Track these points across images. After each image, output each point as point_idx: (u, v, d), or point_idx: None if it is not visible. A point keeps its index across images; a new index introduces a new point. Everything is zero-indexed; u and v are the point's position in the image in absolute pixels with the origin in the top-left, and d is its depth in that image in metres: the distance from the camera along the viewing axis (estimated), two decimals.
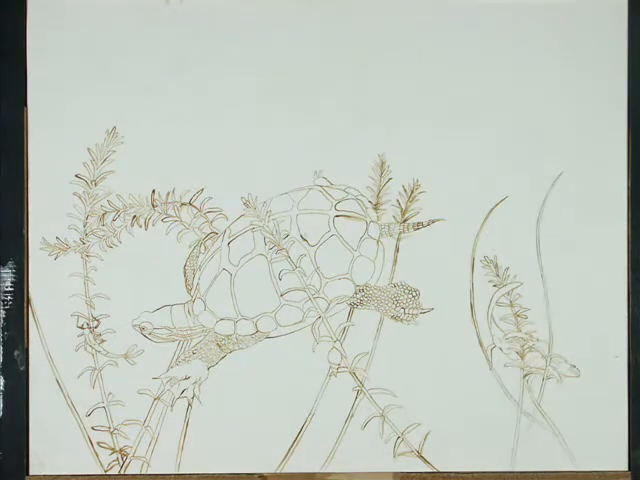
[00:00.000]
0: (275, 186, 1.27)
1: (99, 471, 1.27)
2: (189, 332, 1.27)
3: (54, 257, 1.26)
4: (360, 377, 1.27)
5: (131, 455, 1.27)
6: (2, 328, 1.26)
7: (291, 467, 1.27)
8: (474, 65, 1.27)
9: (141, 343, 1.26)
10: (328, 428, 1.27)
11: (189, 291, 1.26)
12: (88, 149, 1.26)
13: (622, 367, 1.28)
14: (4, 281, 1.26)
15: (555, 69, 1.28)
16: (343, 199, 1.27)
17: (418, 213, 1.27)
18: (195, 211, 1.27)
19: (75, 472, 1.26)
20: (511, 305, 1.28)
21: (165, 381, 1.26)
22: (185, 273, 1.26)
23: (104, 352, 1.26)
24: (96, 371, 1.26)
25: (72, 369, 1.26)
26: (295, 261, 1.26)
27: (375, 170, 1.27)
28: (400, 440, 1.27)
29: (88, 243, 1.26)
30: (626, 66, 1.28)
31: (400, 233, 1.27)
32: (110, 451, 1.27)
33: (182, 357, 1.26)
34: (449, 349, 1.27)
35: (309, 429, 1.27)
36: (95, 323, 1.26)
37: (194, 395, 1.26)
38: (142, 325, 1.25)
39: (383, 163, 1.27)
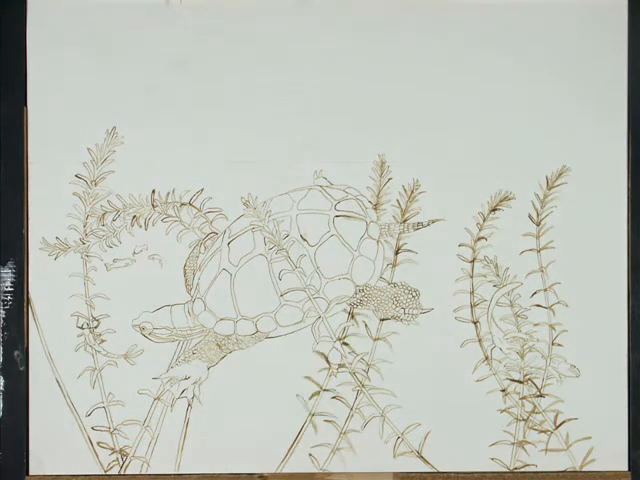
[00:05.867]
0: (275, 186, 1.27)
1: (99, 471, 1.27)
2: (189, 332, 1.27)
3: (54, 257, 1.26)
4: (360, 377, 1.27)
5: (131, 455, 1.27)
6: (2, 328, 1.26)
7: (291, 467, 1.27)
8: (474, 65, 1.27)
9: (141, 343, 1.26)
10: (328, 428, 1.27)
11: (189, 291, 1.27)
12: (88, 149, 1.26)
13: (622, 367, 1.28)
14: (4, 281, 1.26)
15: (555, 70, 1.28)
16: (343, 199, 1.27)
17: (418, 213, 1.27)
18: (195, 211, 1.27)
19: (75, 472, 1.26)
20: (511, 305, 1.28)
21: (165, 381, 1.26)
22: (185, 273, 1.26)
23: (104, 352, 1.26)
24: (96, 371, 1.26)
25: (72, 369, 1.26)
26: (295, 261, 1.26)
27: (375, 170, 1.27)
28: (400, 440, 1.27)
29: (88, 243, 1.26)
30: (626, 66, 1.28)
31: (400, 233, 1.27)
32: (110, 451, 1.27)
33: (182, 357, 1.26)
34: (449, 349, 1.27)
35: (309, 429, 1.27)
36: (95, 323, 1.26)
37: (194, 395, 1.26)
38: (142, 325, 1.25)
39: (383, 163, 1.27)
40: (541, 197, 1.28)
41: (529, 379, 1.28)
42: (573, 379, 1.28)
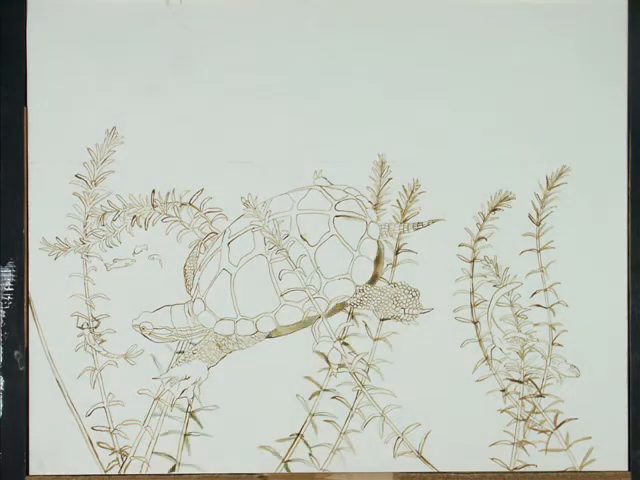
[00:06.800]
0: (275, 186, 1.27)
1: (99, 471, 1.27)
2: (189, 332, 1.27)
3: (54, 257, 1.26)
4: (360, 377, 1.27)
5: (131, 455, 1.27)
6: (2, 328, 1.26)
7: (291, 467, 1.27)
8: (474, 65, 1.27)
9: (141, 343, 1.26)
10: (328, 428, 1.27)
11: (189, 291, 1.26)
12: (88, 149, 1.26)
13: (622, 367, 1.28)
14: (4, 281, 1.26)
15: (555, 70, 1.28)
16: (343, 199, 1.27)
17: (418, 213, 1.27)
18: (195, 211, 1.27)
19: (75, 472, 1.26)
20: (511, 305, 1.28)
21: (165, 381, 1.26)
22: (185, 273, 1.26)
23: (104, 352, 1.26)
24: (96, 371, 1.26)
25: (72, 369, 1.26)
26: (295, 261, 1.26)
27: (375, 170, 1.27)
28: (400, 440, 1.27)
29: (88, 243, 1.26)
30: (626, 66, 1.28)
31: (400, 233, 1.27)
32: (110, 451, 1.27)
33: (182, 357, 1.26)
34: (449, 349, 1.27)
35: (309, 429, 1.27)
36: (95, 323, 1.26)
37: (194, 395, 1.26)
38: (142, 325, 1.25)
39: (383, 163, 1.27)
40: (541, 197, 1.28)
41: (529, 379, 1.28)
42: (573, 379, 1.28)
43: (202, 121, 1.26)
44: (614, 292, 1.28)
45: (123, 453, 1.27)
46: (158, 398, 1.26)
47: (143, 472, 1.27)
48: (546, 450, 1.28)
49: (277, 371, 1.26)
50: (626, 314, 1.28)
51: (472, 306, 1.27)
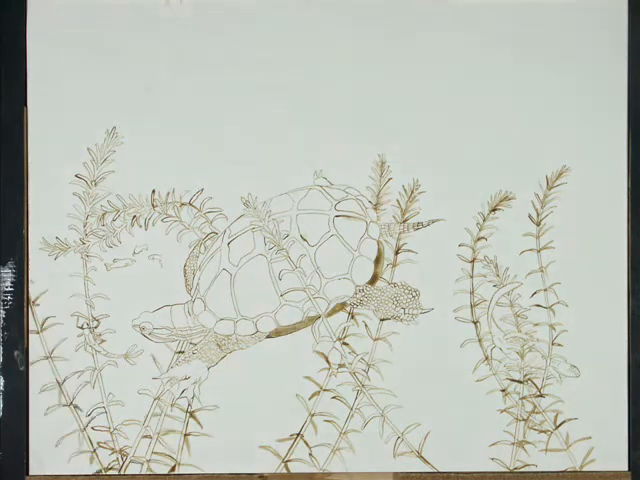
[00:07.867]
0: (275, 186, 1.27)
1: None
2: (189, 332, 1.27)
3: (54, 257, 1.26)
4: (360, 377, 1.27)
5: (131, 455, 1.27)
6: (2, 328, 1.26)
7: (291, 467, 1.27)
8: (474, 65, 1.27)
9: (141, 343, 1.26)
10: (328, 428, 1.27)
11: (189, 291, 1.26)
12: (88, 149, 1.26)
13: (622, 367, 1.28)
14: (4, 281, 1.26)
15: (555, 70, 1.28)
16: (343, 199, 1.27)
17: (418, 213, 1.27)
18: (195, 211, 1.27)
19: (75, 472, 1.26)
20: (511, 305, 1.28)
21: (165, 381, 1.26)
22: (185, 273, 1.26)
23: (104, 352, 1.26)
24: (96, 371, 1.26)
25: (72, 369, 1.26)
26: (295, 261, 1.26)
27: (375, 170, 1.27)
28: (400, 440, 1.27)
29: (88, 243, 1.26)
30: (626, 66, 1.28)
31: (400, 233, 1.27)
32: (110, 451, 1.27)
33: (182, 357, 1.26)
34: (449, 349, 1.27)
35: (309, 429, 1.27)
36: (95, 323, 1.26)
37: (194, 395, 1.26)
38: (142, 325, 1.25)
39: (383, 163, 1.27)
40: (541, 197, 1.28)
41: (529, 379, 1.28)
42: (573, 379, 1.28)
43: (202, 121, 1.26)
44: (614, 292, 1.28)
45: (123, 453, 1.27)
46: (158, 398, 1.26)
47: (143, 472, 1.27)
48: (546, 450, 1.28)
49: (277, 371, 1.26)
50: (626, 314, 1.28)
51: (472, 306, 1.27)
